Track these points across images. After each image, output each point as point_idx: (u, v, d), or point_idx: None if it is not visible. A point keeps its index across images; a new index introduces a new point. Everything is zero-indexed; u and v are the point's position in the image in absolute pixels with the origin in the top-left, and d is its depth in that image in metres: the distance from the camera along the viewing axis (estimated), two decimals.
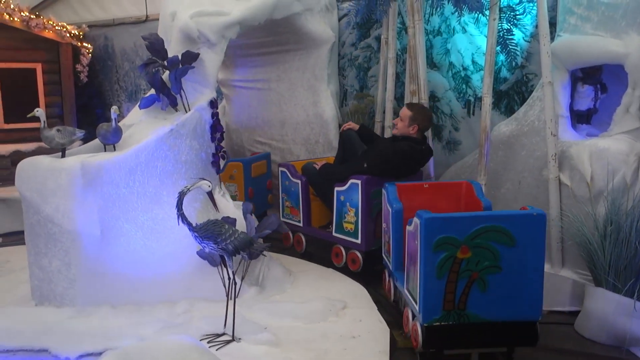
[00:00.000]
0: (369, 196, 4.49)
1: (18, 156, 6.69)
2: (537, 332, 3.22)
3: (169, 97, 4.47)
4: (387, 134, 5.41)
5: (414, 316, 3.36)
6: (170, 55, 4.50)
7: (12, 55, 7.27)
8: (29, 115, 4.24)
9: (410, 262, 3.34)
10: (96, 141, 4.48)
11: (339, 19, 6.19)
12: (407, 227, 3.40)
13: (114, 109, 4.19)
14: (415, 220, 3.17)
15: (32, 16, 7.13)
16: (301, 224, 5.14)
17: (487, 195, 4.43)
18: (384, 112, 5.59)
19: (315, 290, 4.38)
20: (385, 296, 4.33)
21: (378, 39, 5.86)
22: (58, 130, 4.21)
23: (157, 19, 7.08)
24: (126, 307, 3.96)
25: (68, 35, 7.46)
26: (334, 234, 4.80)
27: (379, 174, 4.47)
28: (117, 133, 4.23)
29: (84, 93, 8.16)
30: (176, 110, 4.53)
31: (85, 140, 4.75)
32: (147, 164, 4.11)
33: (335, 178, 4.68)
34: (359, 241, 4.59)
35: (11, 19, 6.96)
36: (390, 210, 3.91)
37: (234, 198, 5.44)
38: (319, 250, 5.14)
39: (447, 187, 4.16)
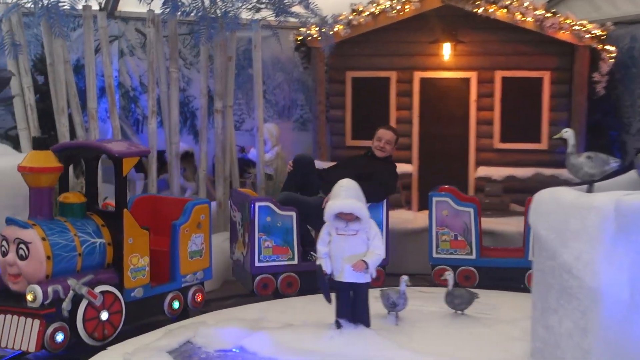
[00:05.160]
0: None
1: (510, 183, 6.52)
2: None
3: None
4: None
5: None
6: None
7: (518, 61, 6.76)
8: (555, 137, 3.86)
9: None
10: (631, 174, 4.20)
11: None
12: None
13: None
14: None
15: (547, 15, 6.26)
16: None
17: None
18: None
19: None
20: None
21: None
22: (589, 157, 3.71)
23: None
24: None
25: (587, 36, 6.31)
26: None
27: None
28: None
29: (597, 108, 6.99)
30: None
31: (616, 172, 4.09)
32: None
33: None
34: None
35: (524, 18, 6.23)
36: None
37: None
38: None
39: None
